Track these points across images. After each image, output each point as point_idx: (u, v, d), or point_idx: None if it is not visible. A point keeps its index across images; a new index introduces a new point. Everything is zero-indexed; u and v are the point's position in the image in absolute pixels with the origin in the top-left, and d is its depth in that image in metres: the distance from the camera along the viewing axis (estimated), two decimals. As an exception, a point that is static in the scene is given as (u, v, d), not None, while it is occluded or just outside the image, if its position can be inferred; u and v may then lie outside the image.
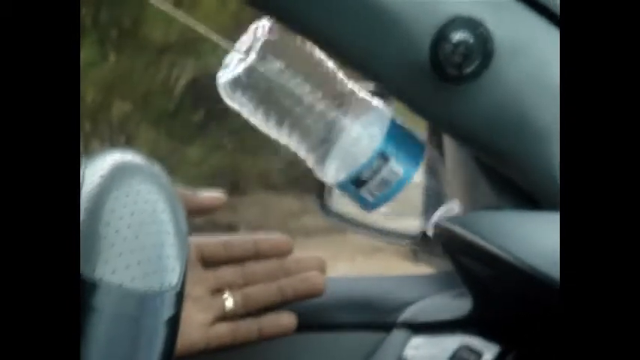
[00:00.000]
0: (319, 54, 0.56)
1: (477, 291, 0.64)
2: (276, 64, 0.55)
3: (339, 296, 0.77)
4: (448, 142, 0.65)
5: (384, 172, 0.57)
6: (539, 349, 0.62)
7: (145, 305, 0.43)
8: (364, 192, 0.58)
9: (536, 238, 0.53)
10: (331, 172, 0.58)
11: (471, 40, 0.51)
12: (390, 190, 0.57)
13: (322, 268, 0.69)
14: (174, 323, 0.44)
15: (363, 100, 0.57)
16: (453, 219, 0.58)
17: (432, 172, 0.60)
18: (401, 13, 0.51)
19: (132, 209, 0.43)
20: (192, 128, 4.02)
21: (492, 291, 0.62)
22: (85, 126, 3.80)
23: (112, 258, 0.42)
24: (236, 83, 0.55)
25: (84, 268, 0.42)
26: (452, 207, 0.60)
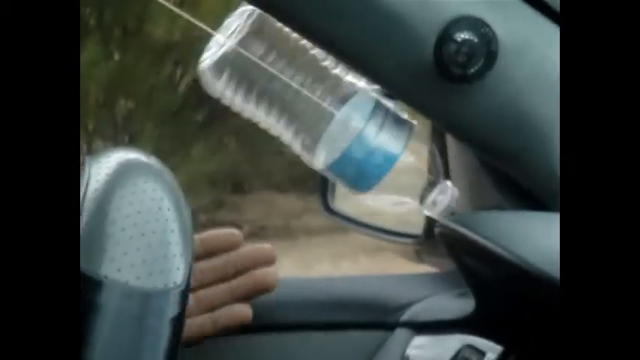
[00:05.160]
0: (301, 39, 0.56)
1: (480, 291, 0.64)
2: (260, 47, 0.55)
3: (342, 295, 0.77)
4: (451, 142, 0.65)
5: (364, 162, 0.56)
6: (542, 349, 0.62)
7: (149, 304, 0.43)
8: (346, 179, 0.58)
9: (539, 239, 0.53)
10: (318, 158, 0.58)
11: (475, 40, 0.51)
12: (373, 177, 0.57)
13: (270, 259, 0.69)
14: (178, 322, 0.44)
15: (348, 83, 0.57)
16: (457, 219, 0.59)
17: (432, 155, 0.59)
18: (405, 13, 0.51)
19: (137, 207, 0.43)
20: (196, 127, 4.02)
21: (495, 291, 0.62)
22: (89, 125, 3.80)
23: (118, 256, 0.42)
24: (219, 66, 0.55)
25: (89, 266, 0.42)
26: (445, 187, 0.59)
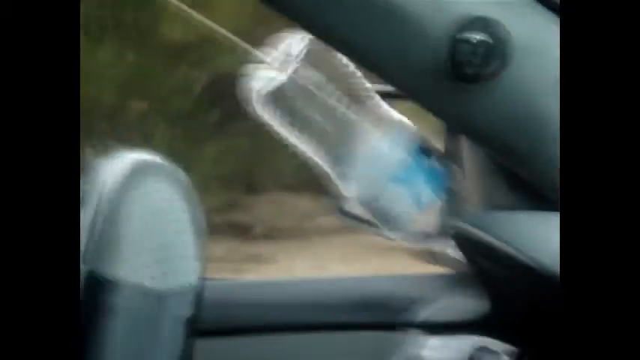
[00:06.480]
0: (354, 69, 0.57)
1: (493, 291, 0.64)
2: (313, 79, 0.55)
3: (355, 296, 0.77)
4: (465, 145, 0.65)
5: (397, 199, 0.57)
6: (555, 350, 0.62)
7: (163, 304, 0.43)
8: (377, 214, 0.58)
9: (552, 240, 0.53)
10: (351, 189, 0.58)
11: (490, 41, 0.51)
12: (403, 216, 0.57)
13: None
14: (192, 322, 0.44)
15: (394, 120, 0.57)
16: (469, 220, 0.58)
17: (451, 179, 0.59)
18: (420, 14, 0.51)
19: (151, 208, 0.44)
20: (209, 128, 4.02)
21: (508, 291, 0.62)
22: (102, 125, 3.81)
23: (132, 257, 0.43)
24: (272, 96, 0.55)
25: (104, 267, 0.42)
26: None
